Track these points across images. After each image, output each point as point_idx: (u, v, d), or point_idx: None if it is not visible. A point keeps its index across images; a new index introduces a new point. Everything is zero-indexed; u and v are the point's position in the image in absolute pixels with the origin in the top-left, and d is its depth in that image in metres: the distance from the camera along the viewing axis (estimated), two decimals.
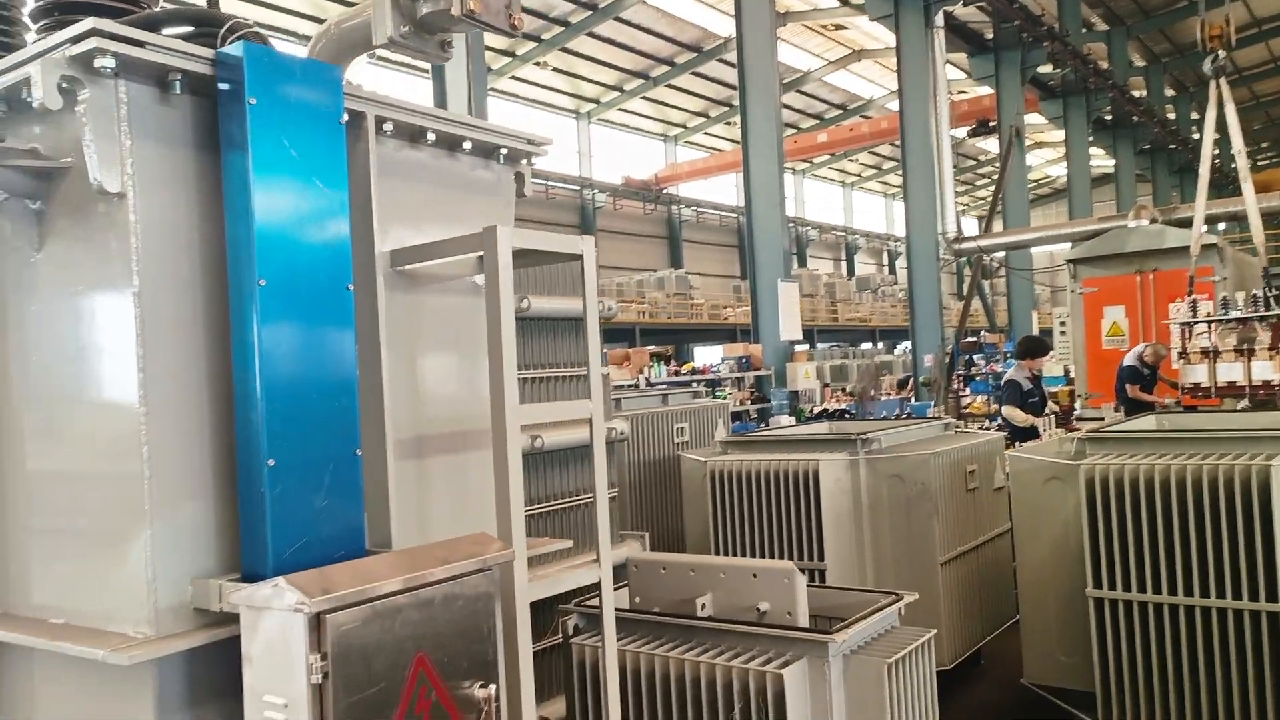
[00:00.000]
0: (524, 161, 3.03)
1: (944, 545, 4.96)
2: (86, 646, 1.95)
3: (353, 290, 2.24)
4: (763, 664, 2.98)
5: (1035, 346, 8.64)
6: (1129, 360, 9.37)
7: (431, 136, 2.64)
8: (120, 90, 2.00)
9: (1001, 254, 18.46)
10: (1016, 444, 6.95)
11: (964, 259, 18.85)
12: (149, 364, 2.00)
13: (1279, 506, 3.60)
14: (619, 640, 3.31)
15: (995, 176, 20.93)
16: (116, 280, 2.03)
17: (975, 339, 18.39)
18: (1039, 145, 41.85)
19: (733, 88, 43.96)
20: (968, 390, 15.22)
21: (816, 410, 15.64)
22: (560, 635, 3.32)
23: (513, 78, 36.63)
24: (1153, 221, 12.03)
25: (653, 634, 3.33)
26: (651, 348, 22.83)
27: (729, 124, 41.47)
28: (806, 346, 18.90)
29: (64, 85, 1.95)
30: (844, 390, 16.24)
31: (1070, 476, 4.20)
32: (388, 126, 2.52)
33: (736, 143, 43.29)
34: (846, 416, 14.63)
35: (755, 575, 3.23)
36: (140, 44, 1.97)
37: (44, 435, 2.23)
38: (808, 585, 3.26)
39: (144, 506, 1.98)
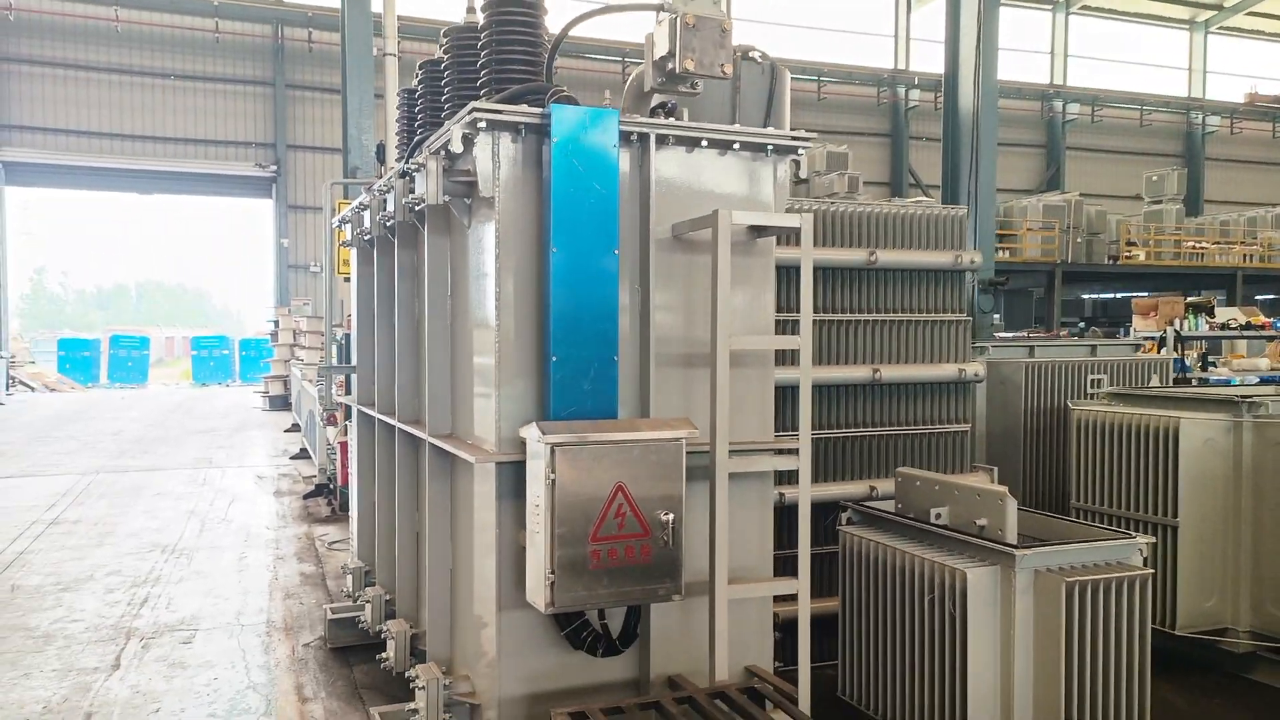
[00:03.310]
0: (797, 152, 3.90)
1: None
2: (469, 455, 3.54)
3: (618, 254, 3.45)
4: (957, 564, 3.58)
5: None
6: None
7: (705, 143, 3.71)
8: (493, 137, 3.46)
9: None
10: None
11: None
12: (501, 297, 3.48)
13: None
14: (878, 535, 4.12)
15: None
16: (490, 247, 3.53)
17: None
18: None
19: None
20: None
21: None
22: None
23: None
24: None
25: (898, 532, 4.08)
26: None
27: None
28: None
29: (465, 136, 3.47)
30: None
31: None
32: (670, 140, 3.65)
33: None
34: None
35: (979, 495, 3.77)
36: (500, 111, 3.41)
37: (472, 336, 3.88)
38: (1090, 524, 3.69)
39: (495, 380, 3.48)
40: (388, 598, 5.09)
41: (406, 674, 4.09)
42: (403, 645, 4.53)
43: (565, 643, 3.51)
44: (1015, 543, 3.56)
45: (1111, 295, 32.25)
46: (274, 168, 27.11)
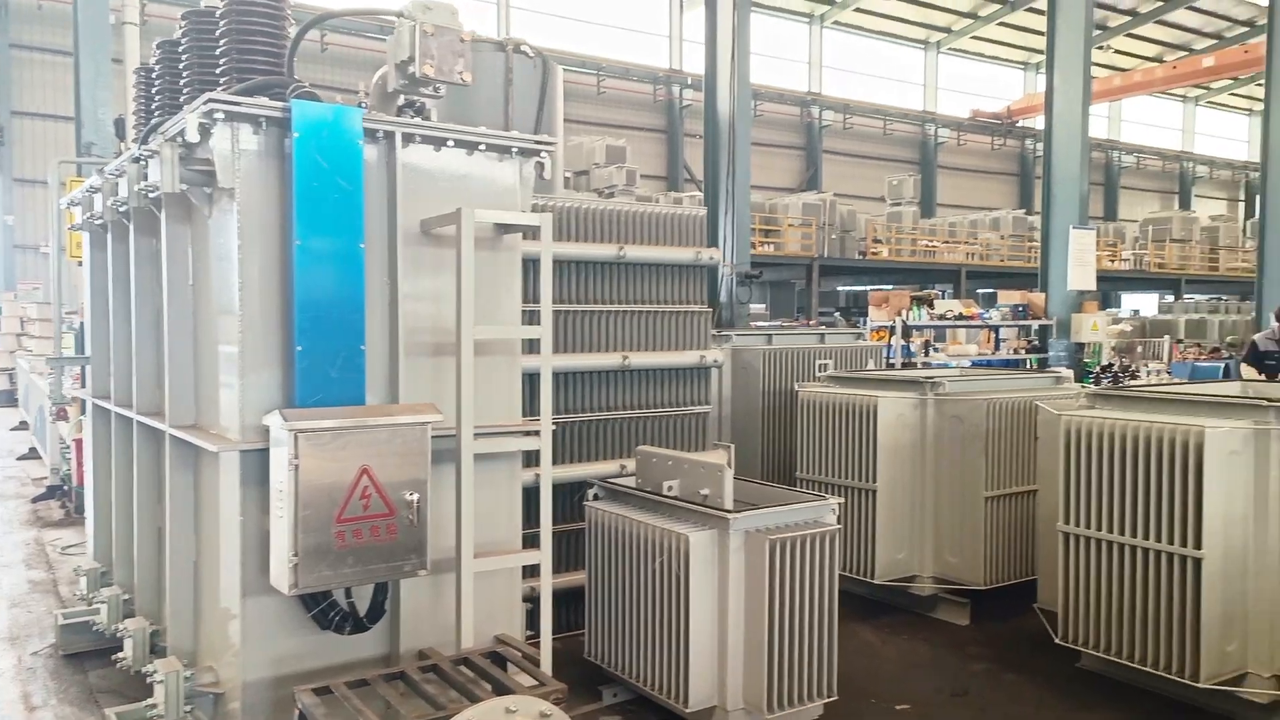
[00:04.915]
0: (541, 154, 4.17)
1: (992, 482, 5.43)
2: (211, 444, 3.55)
3: (364, 247, 3.58)
4: (681, 530, 3.98)
5: None
6: (1257, 337, 9.03)
7: (451, 143, 3.89)
8: (232, 129, 3.48)
9: None
10: None
11: None
12: (245, 287, 3.50)
13: (1209, 468, 3.82)
14: (619, 508, 4.45)
15: None
16: (232, 237, 3.54)
17: None
18: None
19: (1111, 8, 39.32)
20: None
21: (1102, 365, 14.94)
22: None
23: (857, 10, 36.03)
24: None
25: (637, 505, 4.44)
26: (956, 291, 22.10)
27: (1102, 48, 37.47)
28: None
29: (201, 126, 3.46)
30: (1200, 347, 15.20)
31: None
32: (416, 138, 3.81)
33: (1117, 69, 39.00)
34: (1124, 374, 13.84)
35: (703, 469, 4.20)
36: (238, 103, 3.43)
37: (215, 325, 3.86)
38: (825, 495, 4.17)
39: (238, 368, 3.51)
40: (126, 597, 4.91)
41: (145, 670, 4.01)
42: (141, 643, 4.41)
43: (313, 624, 3.61)
44: (731, 508, 4.02)
45: (862, 288, 35.14)
46: None
